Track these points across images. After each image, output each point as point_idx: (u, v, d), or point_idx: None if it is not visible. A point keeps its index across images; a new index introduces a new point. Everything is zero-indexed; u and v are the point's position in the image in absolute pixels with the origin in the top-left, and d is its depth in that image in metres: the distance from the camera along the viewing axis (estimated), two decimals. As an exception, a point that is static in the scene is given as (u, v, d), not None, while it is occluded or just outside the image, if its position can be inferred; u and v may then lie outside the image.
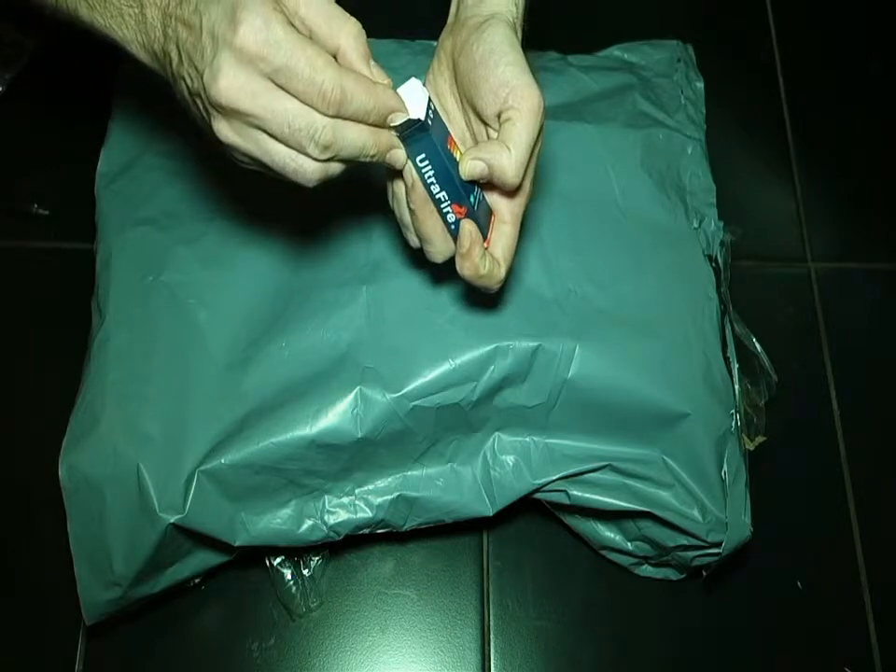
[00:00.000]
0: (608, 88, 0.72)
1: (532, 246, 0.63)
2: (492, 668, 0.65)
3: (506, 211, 0.51)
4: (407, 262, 0.62)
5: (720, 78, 0.78)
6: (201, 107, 0.45)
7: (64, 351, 0.66)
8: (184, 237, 0.62)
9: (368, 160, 0.46)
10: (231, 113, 0.43)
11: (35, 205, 0.76)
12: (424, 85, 0.48)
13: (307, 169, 0.44)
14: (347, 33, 0.44)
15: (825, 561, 0.70)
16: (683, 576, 0.67)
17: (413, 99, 0.46)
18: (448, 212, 0.50)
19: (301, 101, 0.43)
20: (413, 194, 0.49)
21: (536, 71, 0.49)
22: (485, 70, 0.48)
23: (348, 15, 0.45)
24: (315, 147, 0.43)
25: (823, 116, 0.87)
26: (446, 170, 0.48)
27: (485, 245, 0.50)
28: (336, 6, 0.45)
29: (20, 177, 0.78)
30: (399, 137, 0.47)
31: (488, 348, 0.58)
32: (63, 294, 0.72)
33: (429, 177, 0.48)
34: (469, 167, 0.48)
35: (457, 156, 0.49)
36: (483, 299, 0.60)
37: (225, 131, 0.44)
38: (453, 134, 0.50)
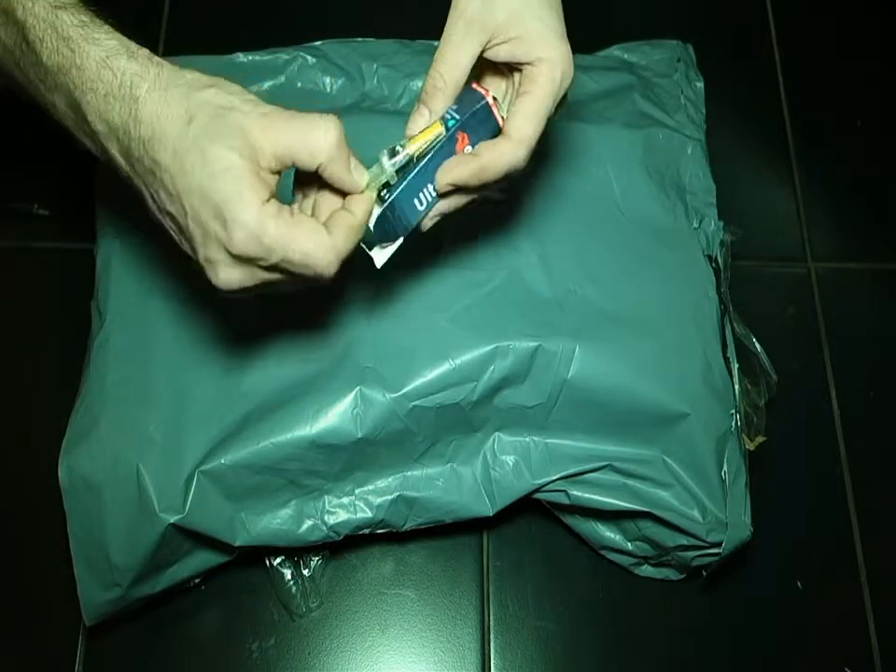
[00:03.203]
0: (608, 88, 0.72)
1: (532, 246, 0.63)
2: (492, 668, 0.65)
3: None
4: (407, 262, 0.62)
5: (720, 78, 0.78)
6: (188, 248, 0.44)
7: (64, 351, 0.66)
8: (184, 237, 0.62)
9: None
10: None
11: (35, 205, 0.76)
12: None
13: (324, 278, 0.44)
14: (324, 152, 0.42)
15: (825, 561, 0.70)
16: (683, 576, 0.67)
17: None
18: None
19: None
20: None
21: None
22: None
23: (316, 126, 0.42)
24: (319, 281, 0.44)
25: (823, 116, 0.87)
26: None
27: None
28: (300, 121, 0.42)
29: (20, 177, 0.78)
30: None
31: (488, 348, 0.58)
32: (63, 294, 0.72)
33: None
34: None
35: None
36: (483, 298, 0.60)
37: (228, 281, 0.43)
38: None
